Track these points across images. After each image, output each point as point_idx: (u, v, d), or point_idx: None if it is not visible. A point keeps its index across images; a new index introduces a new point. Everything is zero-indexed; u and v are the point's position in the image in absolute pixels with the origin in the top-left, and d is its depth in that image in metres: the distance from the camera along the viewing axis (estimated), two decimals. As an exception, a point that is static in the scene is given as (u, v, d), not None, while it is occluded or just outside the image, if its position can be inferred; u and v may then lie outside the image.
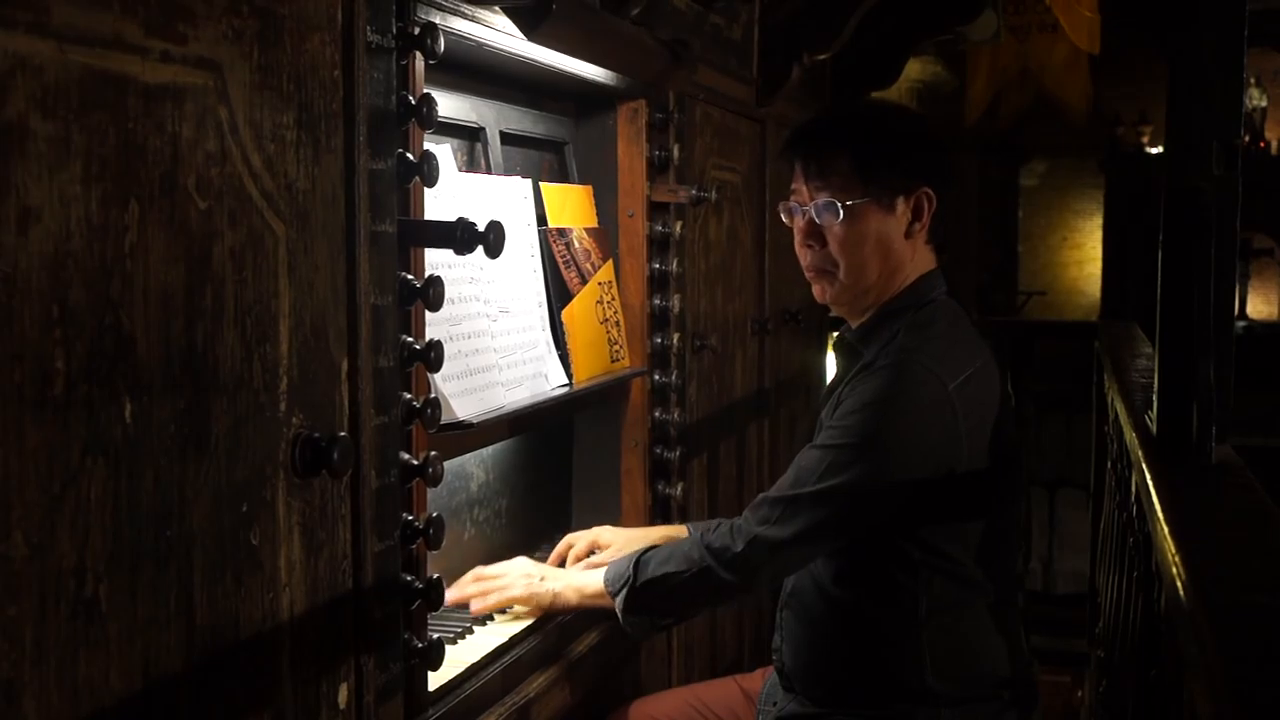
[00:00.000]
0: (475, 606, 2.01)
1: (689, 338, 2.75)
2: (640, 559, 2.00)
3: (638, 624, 2.01)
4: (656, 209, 2.55)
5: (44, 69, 1.00)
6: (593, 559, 2.21)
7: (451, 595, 2.02)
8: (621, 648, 2.26)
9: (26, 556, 1.00)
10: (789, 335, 3.69)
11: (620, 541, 2.25)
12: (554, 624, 2.05)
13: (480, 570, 2.08)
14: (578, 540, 2.27)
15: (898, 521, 1.94)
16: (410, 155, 1.56)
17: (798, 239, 2.09)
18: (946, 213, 2.06)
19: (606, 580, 2.02)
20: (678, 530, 2.31)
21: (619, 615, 2.00)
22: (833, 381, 2.13)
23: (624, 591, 1.99)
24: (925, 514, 1.93)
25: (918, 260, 2.06)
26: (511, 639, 1.95)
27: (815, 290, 2.12)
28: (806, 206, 2.05)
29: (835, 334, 2.22)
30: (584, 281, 2.35)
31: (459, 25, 1.72)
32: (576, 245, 2.36)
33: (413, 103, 1.56)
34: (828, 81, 4.01)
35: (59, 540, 1.03)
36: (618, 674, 2.33)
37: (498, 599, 2.01)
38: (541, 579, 2.05)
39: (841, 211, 2.00)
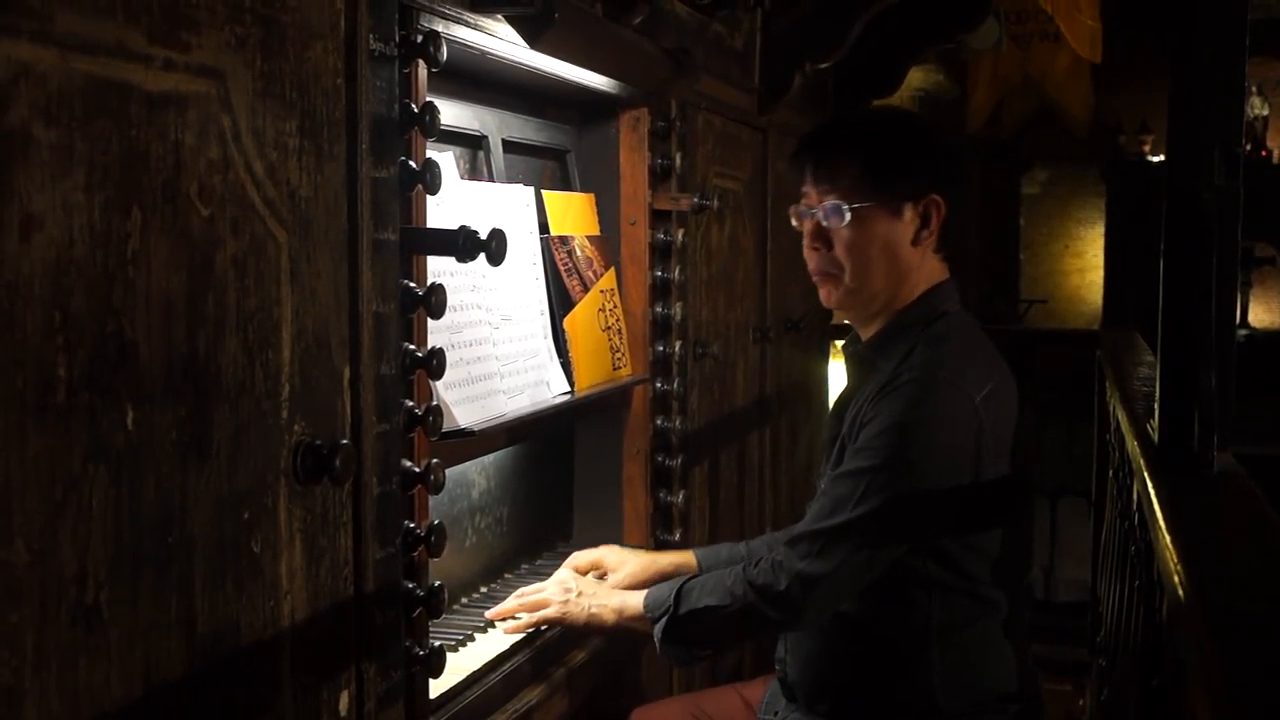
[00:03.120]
0: (508, 626, 2.00)
1: (691, 345, 2.75)
2: (683, 587, 1.98)
3: (675, 653, 2.00)
4: (658, 217, 2.55)
5: (47, 77, 1.00)
6: (609, 583, 2.19)
7: (492, 613, 2.03)
8: (622, 656, 2.26)
9: (28, 563, 1.00)
10: (790, 343, 3.69)
11: (627, 567, 2.22)
12: (555, 632, 2.05)
13: (523, 590, 2.08)
14: (580, 558, 2.26)
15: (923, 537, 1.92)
16: (413, 163, 1.56)
17: (805, 242, 2.07)
18: (955, 222, 2.04)
19: (647, 605, 1.99)
20: (685, 556, 2.29)
21: (656, 642, 1.98)
22: (844, 393, 2.11)
23: (664, 620, 1.97)
24: (945, 527, 1.91)
25: (926, 269, 2.04)
26: (513, 646, 1.95)
27: (821, 294, 2.10)
28: (814, 209, 2.04)
29: (843, 344, 2.19)
30: (586, 289, 2.35)
31: (462, 33, 1.72)
32: (578, 253, 2.36)
33: (415, 111, 1.56)
34: (829, 90, 4.01)
35: (60, 547, 1.03)
36: (618, 682, 2.33)
37: (530, 619, 2.00)
38: (579, 594, 2.04)
39: (848, 214, 1.99)
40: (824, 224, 2.02)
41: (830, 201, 2.01)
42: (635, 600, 2.02)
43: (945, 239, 2.05)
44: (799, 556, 1.90)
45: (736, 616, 1.94)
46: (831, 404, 2.27)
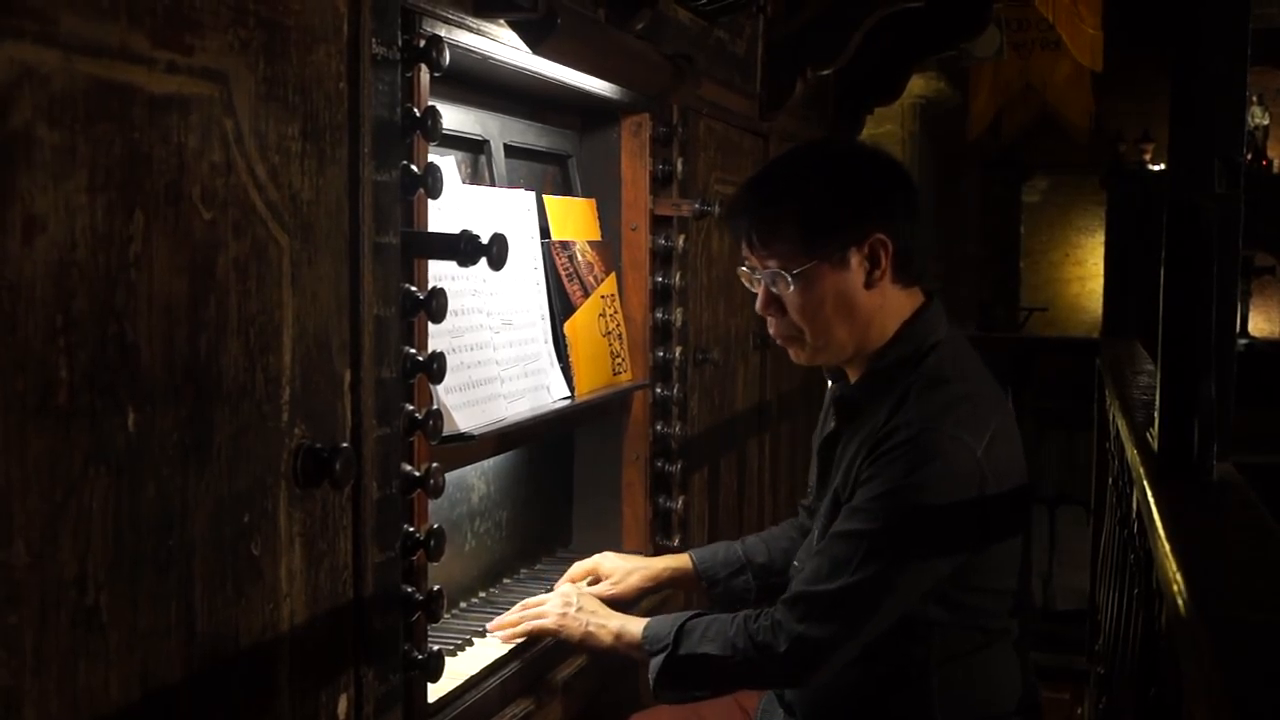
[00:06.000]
0: (504, 635, 1.99)
1: (691, 351, 2.75)
2: (685, 626, 1.94)
3: (668, 694, 1.98)
4: (659, 222, 2.56)
5: (51, 78, 1.00)
6: (596, 589, 2.19)
7: (493, 625, 2.02)
8: (619, 663, 2.25)
9: (28, 565, 1.00)
10: (791, 349, 3.68)
11: (620, 572, 2.22)
12: (553, 638, 2.04)
13: (527, 600, 2.07)
14: (577, 568, 2.25)
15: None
16: (414, 167, 1.57)
17: (759, 306, 2.00)
18: (917, 243, 1.95)
19: (645, 638, 1.96)
20: (681, 561, 2.29)
21: (650, 679, 1.95)
22: (831, 432, 2.04)
23: (661, 657, 1.94)
24: (950, 577, 1.89)
25: (891, 306, 1.95)
26: (511, 651, 1.95)
27: (790, 354, 2.04)
28: (759, 274, 1.97)
29: (832, 387, 2.09)
30: (586, 294, 2.36)
31: (464, 38, 1.72)
32: (579, 258, 2.37)
33: (417, 115, 1.56)
34: (831, 96, 4.02)
35: (61, 549, 1.03)
36: (616, 688, 2.33)
37: (527, 628, 2.00)
38: (579, 610, 2.02)
39: (791, 281, 1.91)
40: (772, 289, 1.96)
41: (771, 268, 1.93)
42: (635, 627, 1.99)
43: (905, 268, 1.95)
44: (797, 619, 1.86)
45: (736, 669, 1.91)
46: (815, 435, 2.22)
